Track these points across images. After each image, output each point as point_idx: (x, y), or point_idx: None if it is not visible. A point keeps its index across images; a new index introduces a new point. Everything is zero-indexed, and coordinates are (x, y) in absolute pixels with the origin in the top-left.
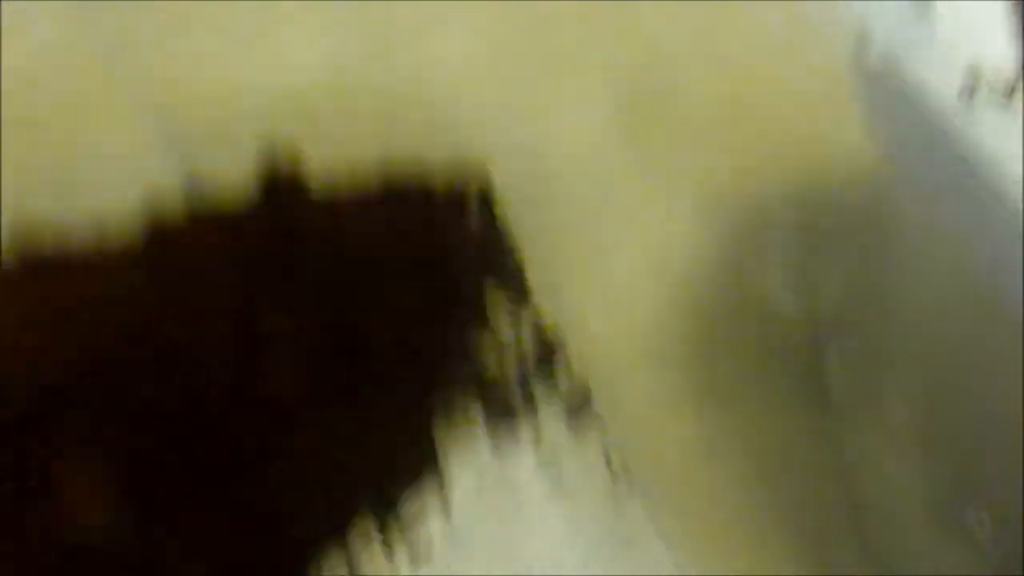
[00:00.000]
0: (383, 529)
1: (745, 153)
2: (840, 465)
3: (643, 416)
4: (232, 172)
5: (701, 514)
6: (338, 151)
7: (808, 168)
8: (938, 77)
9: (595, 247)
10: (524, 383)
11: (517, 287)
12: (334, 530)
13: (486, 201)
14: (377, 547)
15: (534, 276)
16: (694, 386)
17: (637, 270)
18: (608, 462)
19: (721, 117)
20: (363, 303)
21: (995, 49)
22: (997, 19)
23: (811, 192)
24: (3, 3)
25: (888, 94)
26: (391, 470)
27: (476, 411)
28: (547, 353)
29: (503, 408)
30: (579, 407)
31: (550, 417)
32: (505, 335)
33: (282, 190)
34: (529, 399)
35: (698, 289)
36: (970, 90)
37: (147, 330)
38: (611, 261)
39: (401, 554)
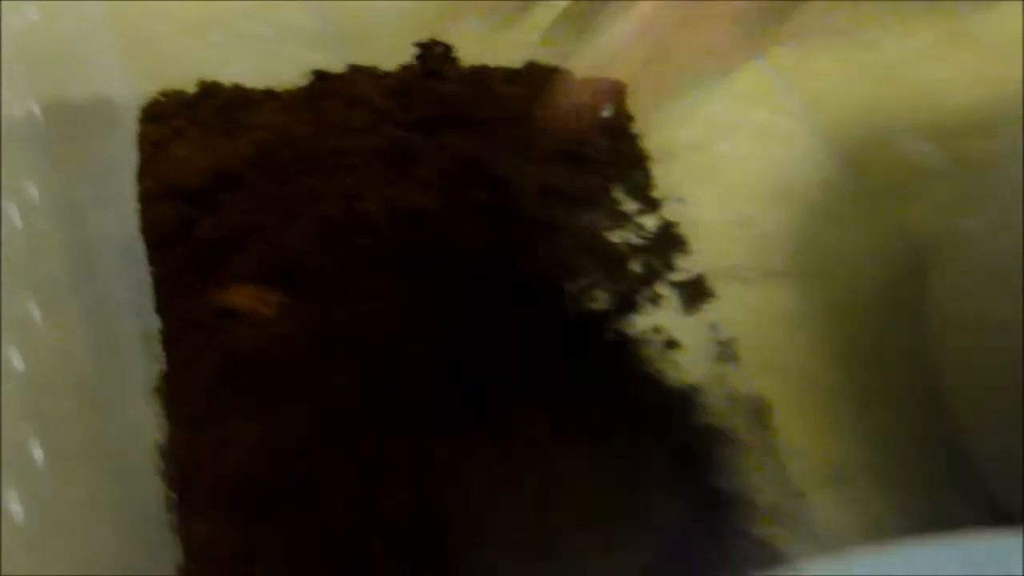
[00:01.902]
0: None
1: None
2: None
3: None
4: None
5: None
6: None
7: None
8: None
9: (709, 135)
10: (645, 257)
11: (641, 172)
12: None
13: (617, 90)
14: None
15: (656, 162)
16: (809, 304)
17: (749, 161)
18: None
19: None
20: (502, 147)
21: None
22: None
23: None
24: None
25: None
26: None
27: (595, 268)
28: (667, 237)
29: (621, 272)
30: (694, 287)
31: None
32: (629, 212)
33: (435, 58)
34: (648, 271)
35: (816, 204)
36: None
37: (309, 142)
38: (723, 150)
39: None
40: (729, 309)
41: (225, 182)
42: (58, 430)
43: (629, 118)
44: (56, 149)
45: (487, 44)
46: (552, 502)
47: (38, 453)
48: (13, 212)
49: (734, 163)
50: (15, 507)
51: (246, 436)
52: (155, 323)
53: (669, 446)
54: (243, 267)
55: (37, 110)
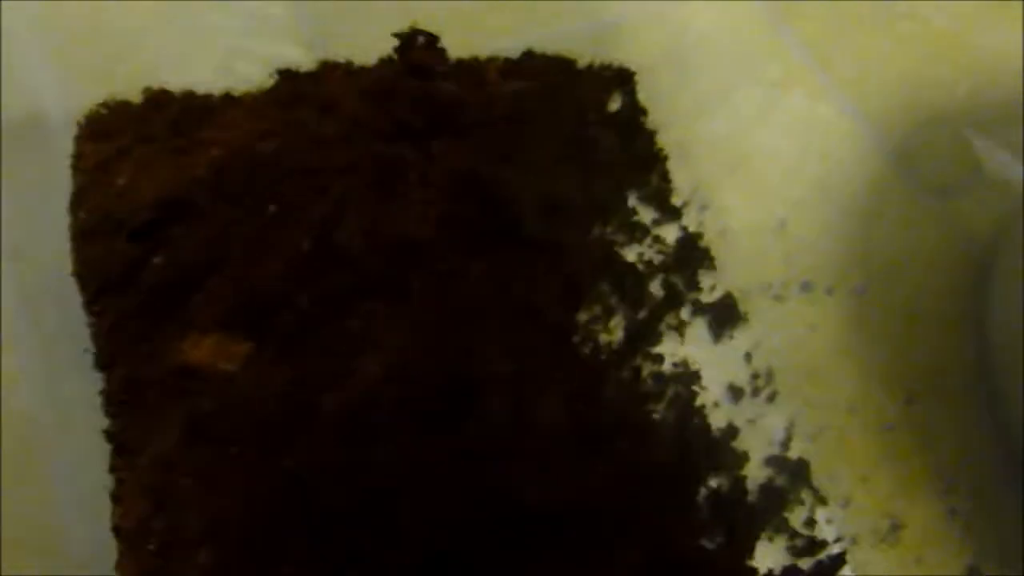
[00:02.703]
0: None
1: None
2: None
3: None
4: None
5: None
6: (477, 31)
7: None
8: None
9: (736, 127)
10: (665, 276)
11: (658, 174)
12: None
13: (626, 80)
14: None
15: (675, 161)
16: (856, 324)
17: (781, 155)
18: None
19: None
20: (500, 156)
21: None
22: None
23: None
24: None
25: None
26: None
27: (610, 293)
28: (690, 251)
29: (640, 295)
30: (723, 310)
31: (691, 315)
32: (647, 224)
33: (418, 50)
34: (670, 293)
35: (860, 205)
36: None
37: (276, 158)
38: (752, 143)
39: None
40: (764, 334)
41: (176, 211)
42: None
43: (642, 111)
44: None
45: (475, 23)
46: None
47: None
48: None
49: (764, 159)
50: None
51: (206, 530)
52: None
53: (698, 506)
54: (200, 314)
55: None
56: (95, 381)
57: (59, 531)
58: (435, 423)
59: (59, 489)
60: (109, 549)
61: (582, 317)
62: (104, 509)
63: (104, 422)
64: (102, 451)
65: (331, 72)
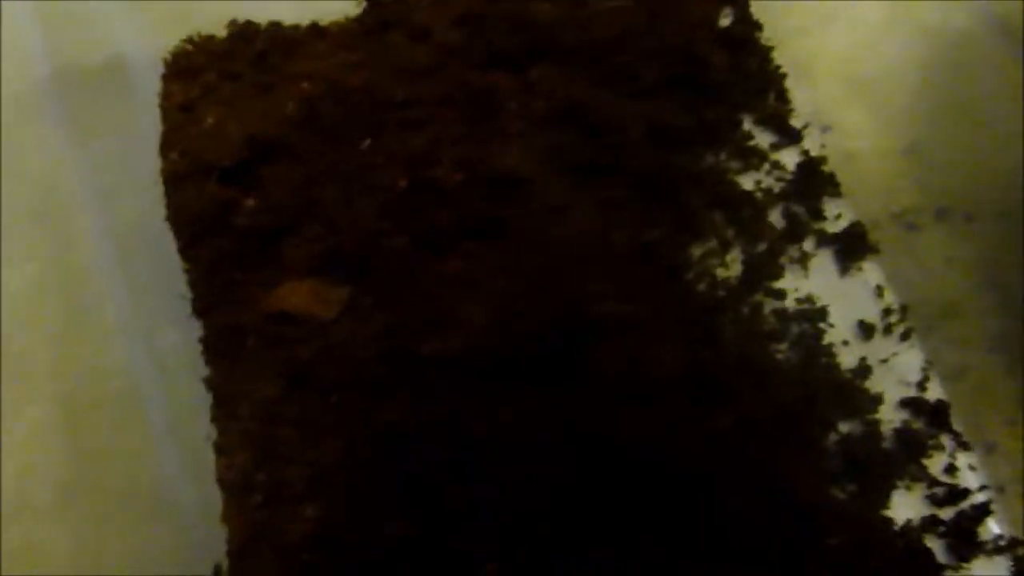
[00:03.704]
0: None
1: None
2: None
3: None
4: None
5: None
6: None
7: None
8: None
9: (859, 41)
10: (785, 205)
11: (775, 95)
12: None
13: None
14: None
15: (793, 80)
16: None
17: (910, 70)
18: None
19: None
20: (603, 81)
21: None
22: None
23: None
24: None
25: None
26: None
27: (725, 226)
28: (812, 177)
29: (758, 227)
30: (851, 241)
31: (816, 247)
32: (764, 149)
33: None
34: (792, 223)
35: (1002, 122)
36: None
37: (367, 91)
38: (877, 58)
39: None
40: (897, 266)
41: (267, 152)
42: (94, 461)
43: (756, 26)
44: (71, 122)
45: None
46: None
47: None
48: (24, 199)
49: (892, 75)
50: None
51: (310, 485)
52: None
53: (828, 453)
54: (295, 258)
55: (44, 76)
56: (193, 329)
57: (163, 483)
58: (542, 371)
59: (162, 441)
60: (215, 500)
61: (696, 252)
62: (208, 460)
63: (204, 370)
64: (204, 400)
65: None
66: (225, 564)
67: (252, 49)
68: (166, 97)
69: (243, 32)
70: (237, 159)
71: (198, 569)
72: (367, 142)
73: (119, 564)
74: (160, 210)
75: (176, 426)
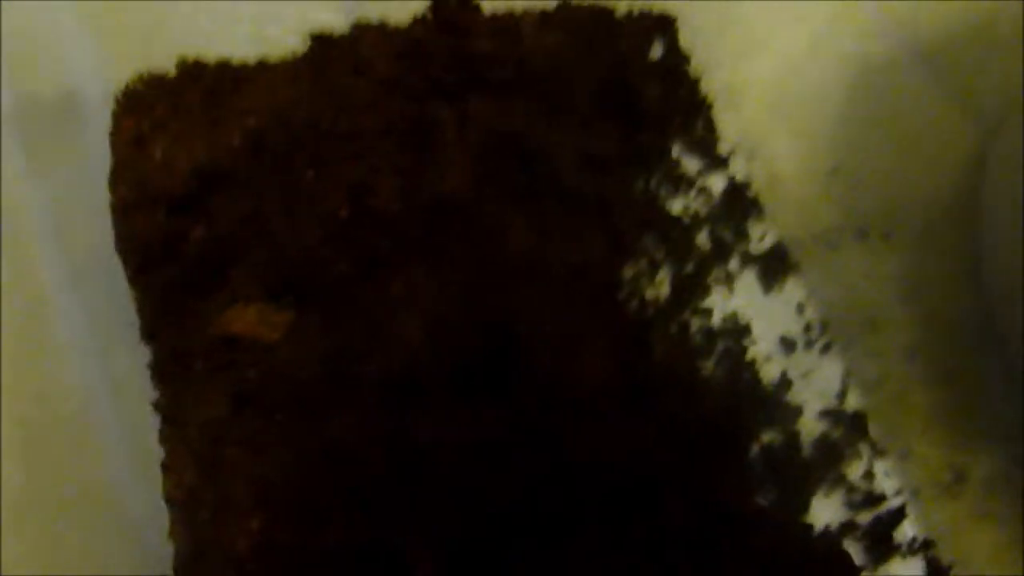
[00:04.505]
0: None
1: None
2: None
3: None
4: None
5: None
6: None
7: None
8: None
9: (783, 69)
10: (712, 227)
11: (703, 122)
12: None
13: (667, 26)
14: None
15: (720, 108)
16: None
17: (832, 96)
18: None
19: None
20: (538, 112)
21: None
22: None
23: None
24: None
25: None
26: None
27: (655, 247)
28: (737, 200)
29: (686, 248)
30: (773, 260)
31: (740, 267)
32: (692, 175)
33: (451, 7)
34: (718, 245)
35: (922, 146)
36: None
37: (311, 124)
38: (801, 85)
39: None
40: (819, 284)
41: (214, 182)
42: (45, 477)
43: (684, 58)
44: (27, 153)
45: None
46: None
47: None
48: None
49: (815, 101)
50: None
51: (255, 499)
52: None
53: (750, 462)
54: (242, 283)
55: (3, 106)
56: (145, 353)
57: (115, 501)
58: (478, 385)
59: (114, 460)
60: (164, 516)
61: (627, 273)
62: (158, 478)
63: (153, 394)
64: (156, 421)
65: (365, 34)
66: None
67: (200, 86)
68: (116, 132)
69: (191, 70)
70: (185, 190)
71: None
72: (310, 173)
73: (73, 573)
74: (112, 239)
75: (129, 444)
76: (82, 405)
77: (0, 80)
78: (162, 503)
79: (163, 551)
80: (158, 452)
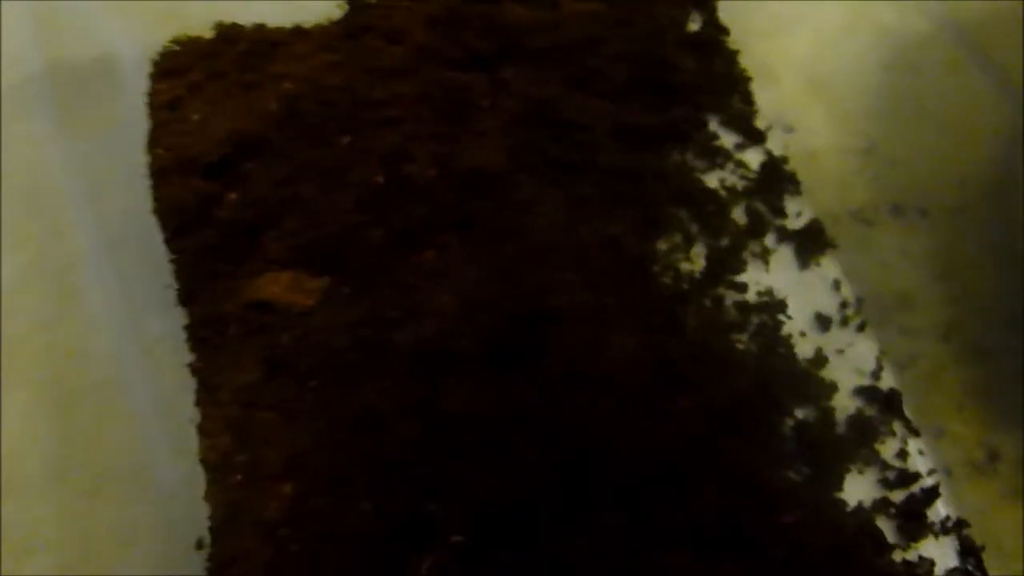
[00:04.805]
0: None
1: None
2: None
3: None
4: None
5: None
6: None
7: None
8: None
9: (819, 44)
10: (748, 202)
11: (740, 96)
12: None
13: (706, 1)
14: None
15: (758, 82)
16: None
17: (868, 72)
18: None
19: None
20: (573, 82)
21: None
22: None
23: None
24: None
25: None
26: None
27: (690, 221)
28: (774, 175)
29: (722, 222)
30: (810, 236)
31: (776, 243)
32: (728, 149)
33: None
34: (754, 220)
35: (956, 123)
36: None
37: (346, 91)
38: (837, 60)
39: None
40: (854, 261)
41: (249, 148)
42: (82, 442)
43: (723, 31)
44: (62, 118)
45: None
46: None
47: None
48: (17, 190)
49: (853, 77)
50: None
51: (287, 464)
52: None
53: (784, 438)
54: (276, 249)
55: (40, 71)
56: (178, 317)
57: (147, 463)
58: (510, 357)
59: (146, 423)
60: (196, 478)
61: (662, 246)
62: (189, 441)
63: (188, 357)
64: (187, 386)
65: (399, 1)
66: (207, 539)
67: (236, 49)
68: (153, 95)
69: (228, 33)
70: (220, 155)
71: (180, 543)
72: (345, 139)
73: (106, 537)
74: (147, 203)
75: (160, 410)
76: (115, 370)
77: (30, 45)
78: (193, 468)
79: (194, 514)
80: (188, 417)
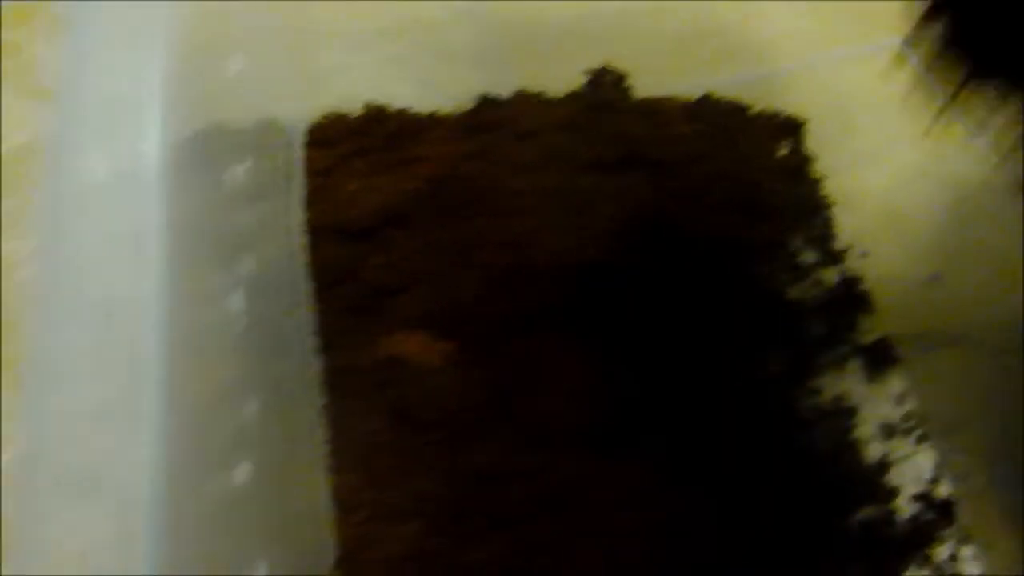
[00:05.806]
0: None
1: None
2: None
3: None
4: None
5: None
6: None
7: None
8: None
9: (897, 180)
10: (824, 316)
11: (821, 220)
12: None
13: (794, 128)
14: None
15: (838, 209)
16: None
17: (937, 210)
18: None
19: None
20: (684, 195)
21: None
22: None
23: None
24: None
25: None
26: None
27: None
28: (849, 294)
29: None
30: (878, 352)
31: (849, 355)
32: (807, 264)
33: (606, 87)
34: (829, 332)
35: (1015, 267)
36: None
37: (481, 178)
38: (911, 197)
39: None
40: (917, 379)
41: (395, 220)
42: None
43: (808, 159)
44: (217, 172)
45: (654, 67)
46: None
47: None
48: (175, 241)
49: (924, 214)
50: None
51: (415, 504)
52: (316, 366)
53: (848, 533)
54: (409, 312)
55: (199, 130)
56: (312, 364)
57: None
58: (611, 447)
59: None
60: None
61: (744, 348)
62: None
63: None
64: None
65: (525, 101)
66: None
67: (383, 129)
68: (308, 162)
69: (375, 113)
70: (371, 224)
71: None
72: (479, 222)
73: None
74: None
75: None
76: (249, 408)
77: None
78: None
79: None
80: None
